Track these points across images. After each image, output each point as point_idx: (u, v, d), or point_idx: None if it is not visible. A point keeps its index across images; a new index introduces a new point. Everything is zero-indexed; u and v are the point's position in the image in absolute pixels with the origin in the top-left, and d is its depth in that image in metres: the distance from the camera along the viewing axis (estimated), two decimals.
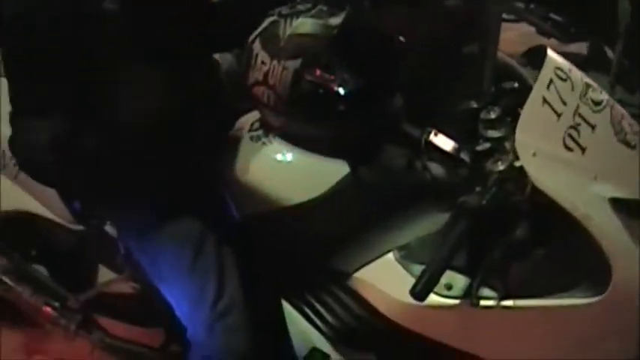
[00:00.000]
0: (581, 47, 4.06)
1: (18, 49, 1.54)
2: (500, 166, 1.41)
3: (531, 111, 1.41)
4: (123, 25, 1.49)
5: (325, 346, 1.66)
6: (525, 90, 1.55)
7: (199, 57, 1.67)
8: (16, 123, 1.62)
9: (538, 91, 1.43)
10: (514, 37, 4.28)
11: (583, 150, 1.43)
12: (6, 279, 2.13)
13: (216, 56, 1.85)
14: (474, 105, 1.57)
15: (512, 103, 1.53)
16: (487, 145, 1.48)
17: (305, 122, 1.54)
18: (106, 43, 1.49)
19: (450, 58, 2.03)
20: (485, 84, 1.65)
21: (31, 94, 1.56)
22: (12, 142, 1.66)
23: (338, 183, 1.52)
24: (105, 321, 2.13)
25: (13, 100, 1.60)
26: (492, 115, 1.52)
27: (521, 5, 4.34)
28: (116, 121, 1.53)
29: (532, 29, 4.31)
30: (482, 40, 1.91)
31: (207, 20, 1.69)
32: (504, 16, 2.54)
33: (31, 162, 1.66)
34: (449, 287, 1.47)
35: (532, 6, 4.32)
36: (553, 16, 4.21)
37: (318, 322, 1.66)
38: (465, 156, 1.51)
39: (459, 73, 2.00)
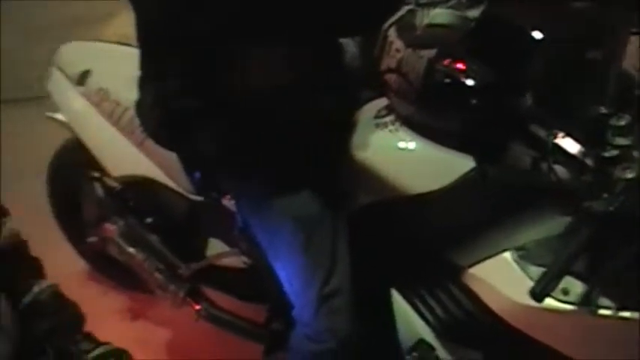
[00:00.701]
0: None
1: (148, 15, 1.59)
2: (629, 174, 1.38)
3: None
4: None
5: (432, 339, 1.66)
6: None
7: (325, 36, 1.68)
8: (143, 88, 1.68)
9: None
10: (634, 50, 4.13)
11: None
12: (121, 242, 2.21)
13: None
14: (604, 111, 1.54)
15: None
16: (615, 152, 1.45)
17: (435, 113, 1.54)
18: (234, 16, 1.51)
19: (583, 61, 1.99)
20: (610, 91, 1.61)
21: (159, 63, 1.60)
22: (138, 105, 1.72)
23: (462, 177, 1.51)
24: (211, 292, 2.19)
25: (142, 65, 1.65)
26: (622, 122, 1.48)
27: None
28: (240, 94, 1.56)
29: None
30: (610, 47, 1.88)
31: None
32: None
33: (154, 126, 1.72)
34: (566, 292, 1.44)
35: None
36: None
37: (427, 315, 1.66)
38: (590, 161, 1.47)
39: (590, 78, 1.95)
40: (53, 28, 4.36)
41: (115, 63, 2.19)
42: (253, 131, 1.59)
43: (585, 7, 1.96)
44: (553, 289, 1.35)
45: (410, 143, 1.57)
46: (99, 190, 2.32)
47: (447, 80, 1.48)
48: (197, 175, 1.85)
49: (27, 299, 1.25)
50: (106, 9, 3.43)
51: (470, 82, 1.47)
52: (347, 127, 1.67)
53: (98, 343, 1.25)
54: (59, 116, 2.31)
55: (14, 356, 1.18)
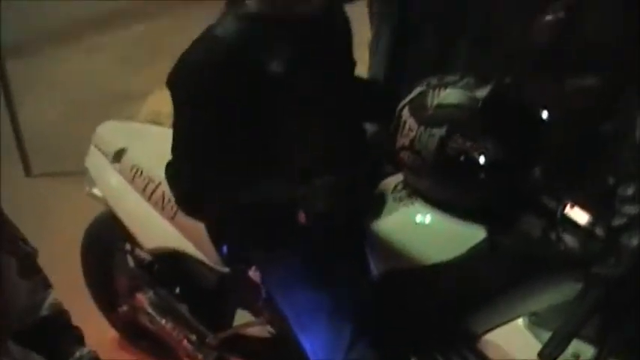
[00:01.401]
0: None
1: (189, 103, 1.71)
2: (635, 241, 1.45)
3: None
4: (286, 85, 1.65)
5: None
6: None
7: (350, 121, 1.82)
8: (177, 158, 1.76)
9: None
10: None
11: None
12: (152, 311, 2.30)
13: None
14: (612, 181, 1.61)
15: None
16: (622, 220, 1.51)
17: (447, 187, 1.63)
18: (268, 100, 1.66)
19: (591, 134, 2.07)
20: (624, 161, 1.69)
21: (197, 140, 1.71)
22: (170, 175, 1.79)
23: (474, 247, 1.59)
24: None
25: (178, 139, 1.74)
26: (629, 192, 1.55)
27: None
28: (269, 172, 1.68)
29: None
30: (622, 119, 1.95)
31: (359, 93, 1.86)
32: None
33: (185, 197, 1.80)
34: (576, 356, 1.49)
35: None
36: None
37: None
38: (599, 231, 1.54)
39: (598, 149, 2.03)
40: (93, 104, 4.54)
41: (148, 142, 2.31)
42: (279, 210, 1.69)
43: (595, 84, 2.05)
44: (562, 352, 1.40)
45: (424, 216, 1.67)
46: (131, 261, 2.43)
47: (458, 156, 1.57)
48: (224, 247, 1.94)
49: None
50: (144, 87, 3.59)
51: (479, 158, 1.56)
52: (368, 200, 1.77)
53: None
54: (96, 191, 2.42)
55: None
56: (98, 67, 5.34)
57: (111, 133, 2.43)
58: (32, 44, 6.02)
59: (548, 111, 1.77)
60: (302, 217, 1.63)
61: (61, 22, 6.66)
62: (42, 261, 1.37)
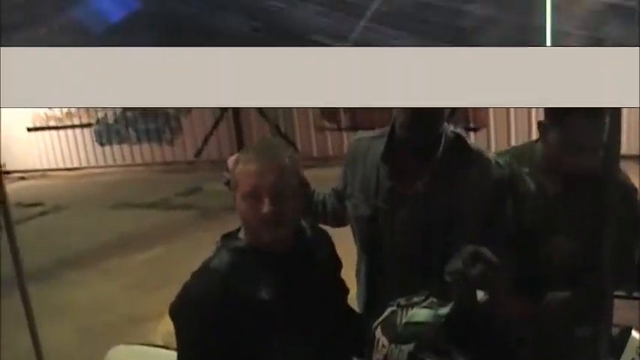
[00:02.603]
0: None
1: (191, 333, 1.87)
2: None
3: None
4: (275, 311, 1.86)
5: None
6: None
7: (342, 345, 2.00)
8: None
9: None
10: None
11: None
12: None
13: None
14: None
15: None
16: None
17: None
18: (260, 325, 1.85)
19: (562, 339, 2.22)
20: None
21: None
22: None
23: None
24: None
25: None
26: None
27: None
28: None
29: None
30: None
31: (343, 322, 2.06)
32: None
33: None
34: None
35: None
36: None
37: None
38: None
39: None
40: (108, 327, 4.73)
41: None
42: None
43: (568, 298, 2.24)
44: None
45: None
46: None
47: None
48: None
49: None
50: (158, 309, 3.80)
51: None
52: None
53: None
54: None
55: None
56: (114, 291, 5.60)
57: (120, 357, 2.63)
58: (51, 268, 6.33)
59: (517, 322, 1.97)
60: None
61: (80, 246, 7.02)
62: None
